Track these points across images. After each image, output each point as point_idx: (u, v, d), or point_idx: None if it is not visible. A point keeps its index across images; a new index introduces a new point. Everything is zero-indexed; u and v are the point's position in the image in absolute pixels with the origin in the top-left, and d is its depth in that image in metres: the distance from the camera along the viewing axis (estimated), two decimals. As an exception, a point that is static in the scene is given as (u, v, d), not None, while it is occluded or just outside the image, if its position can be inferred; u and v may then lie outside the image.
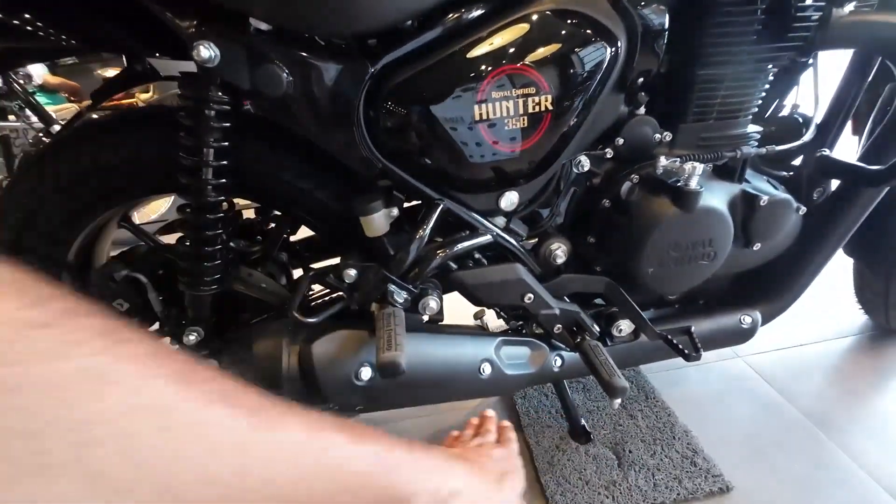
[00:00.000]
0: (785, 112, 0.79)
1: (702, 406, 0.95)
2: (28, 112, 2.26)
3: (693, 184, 0.60)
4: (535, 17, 0.53)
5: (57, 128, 2.23)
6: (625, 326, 0.74)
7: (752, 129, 0.69)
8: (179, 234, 0.74)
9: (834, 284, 1.15)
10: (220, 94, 0.50)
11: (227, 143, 0.53)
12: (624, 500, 0.77)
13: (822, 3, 0.60)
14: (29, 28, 0.51)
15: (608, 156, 0.66)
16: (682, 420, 0.91)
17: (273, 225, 0.77)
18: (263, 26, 0.49)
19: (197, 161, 0.52)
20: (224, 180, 0.55)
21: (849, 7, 0.66)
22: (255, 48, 0.48)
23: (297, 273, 0.81)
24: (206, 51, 0.45)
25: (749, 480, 0.79)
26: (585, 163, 0.65)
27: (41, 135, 2.30)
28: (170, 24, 0.46)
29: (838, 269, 1.04)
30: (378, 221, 0.58)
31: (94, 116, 0.63)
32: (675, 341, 0.70)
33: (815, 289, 1.17)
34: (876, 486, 0.77)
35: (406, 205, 0.68)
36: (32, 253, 0.64)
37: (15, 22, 0.51)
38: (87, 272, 0.75)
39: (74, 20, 0.52)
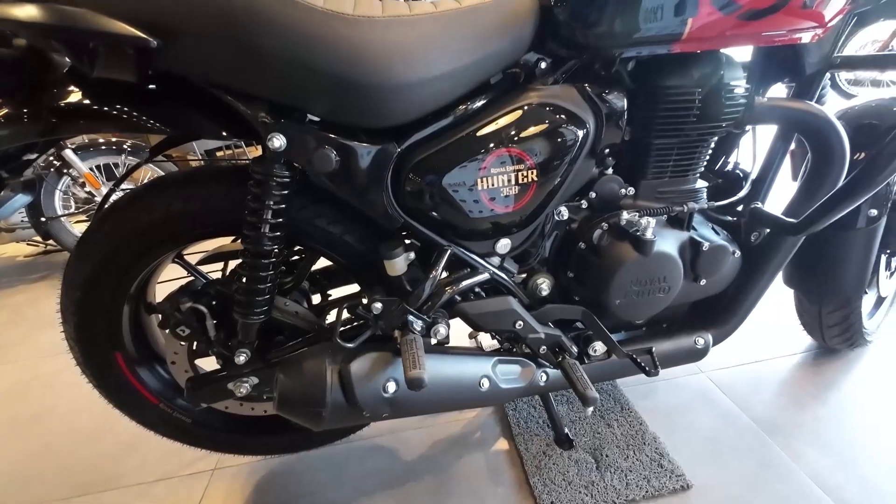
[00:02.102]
0: (729, 167, 0.96)
1: (669, 415, 1.08)
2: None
3: (648, 234, 0.75)
4: (524, 108, 0.68)
5: (68, 151, 2.35)
6: (599, 347, 0.87)
7: (701, 184, 0.84)
8: (222, 266, 0.87)
9: (784, 310, 1.32)
10: (283, 171, 0.64)
11: (284, 206, 0.66)
12: (601, 498, 0.89)
13: (746, 94, 0.76)
14: (125, 117, 0.62)
15: (583, 206, 0.81)
16: (652, 428, 1.04)
17: (296, 258, 0.90)
18: (316, 118, 0.63)
19: (259, 219, 0.65)
20: (278, 233, 0.68)
21: (768, 94, 0.83)
22: (312, 136, 0.62)
23: (315, 298, 0.94)
24: (278, 140, 0.60)
25: (706, 478, 0.92)
26: (565, 212, 0.80)
27: (51, 157, 2.42)
28: (248, 118, 0.60)
29: (787, 298, 1.21)
30: (399, 264, 0.72)
31: (170, 174, 0.75)
32: (638, 360, 0.84)
33: (768, 314, 1.33)
34: (811, 483, 0.90)
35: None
36: (105, 285, 0.75)
37: (106, 109, 0.62)
38: (139, 303, 0.86)
39: (163, 110, 0.64)
